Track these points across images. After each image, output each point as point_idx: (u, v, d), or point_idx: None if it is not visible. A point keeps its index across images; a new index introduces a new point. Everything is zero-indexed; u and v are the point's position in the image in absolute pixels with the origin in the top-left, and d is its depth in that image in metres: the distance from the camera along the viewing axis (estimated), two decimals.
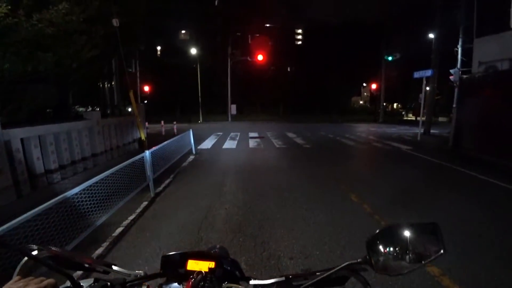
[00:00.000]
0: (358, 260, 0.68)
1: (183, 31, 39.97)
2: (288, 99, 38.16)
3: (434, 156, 9.12)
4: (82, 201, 3.24)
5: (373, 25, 40.58)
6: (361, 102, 56.63)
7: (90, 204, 3.37)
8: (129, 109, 13.97)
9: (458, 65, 11.87)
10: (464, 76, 10.89)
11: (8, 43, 4.91)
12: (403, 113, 40.56)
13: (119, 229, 3.59)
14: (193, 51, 28.34)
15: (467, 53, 11.57)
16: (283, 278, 0.73)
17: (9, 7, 4.47)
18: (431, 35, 15.92)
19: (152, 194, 4.89)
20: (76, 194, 3.13)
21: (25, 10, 4.78)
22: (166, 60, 31.45)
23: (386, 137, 14.71)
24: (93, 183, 3.40)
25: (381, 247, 0.68)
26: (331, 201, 4.65)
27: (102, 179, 3.58)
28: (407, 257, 0.67)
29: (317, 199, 4.75)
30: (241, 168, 7.08)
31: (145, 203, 4.53)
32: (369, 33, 37.54)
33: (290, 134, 14.94)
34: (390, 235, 0.70)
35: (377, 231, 0.70)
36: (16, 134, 4.79)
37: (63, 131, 5.98)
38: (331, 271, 0.68)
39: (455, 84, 11.33)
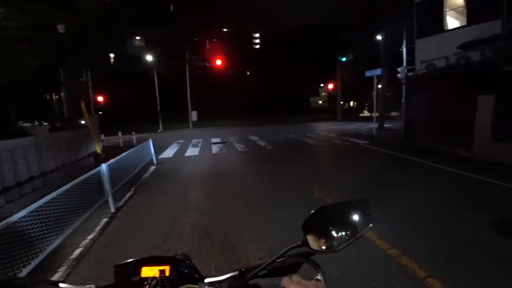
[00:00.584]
0: (298, 243, 0.72)
1: (137, 38, 38.47)
2: (249, 103, 38.50)
3: (388, 148, 9.86)
4: (31, 225, 2.96)
5: (328, 28, 42.80)
6: (320, 102, 59.09)
7: (42, 227, 3.09)
8: (83, 122, 13.07)
9: (404, 64, 13.08)
10: (409, 74, 11.98)
11: None
12: (366, 111, 43.02)
13: (78, 251, 3.35)
14: (149, 58, 27.37)
15: (411, 52, 12.74)
16: (237, 272, 0.74)
17: None
18: (379, 37, 17.27)
19: (112, 210, 4.62)
20: (24, 217, 2.85)
21: None
22: (121, 68, 29.92)
23: (345, 133, 15.54)
24: (43, 204, 3.13)
25: (316, 228, 0.73)
26: (296, 198, 4.79)
27: (53, 199, 3.30)
28: (341, 233, 0.73)
29: (283, 198, 4.87)
30: (205, 175, 7.00)
31: (105, 219, 4.28)
32: (324, 35, 39.55)
33: (253, 137, 15.09)
34: (324, 215, 0.75)
35: (311, 212, 0.75)
36: None
37: (4, 150, 5.41)
38: (274, 258, 0.70)
39: (402, 81, 12.40)
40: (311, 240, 0.71)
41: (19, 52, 5.68)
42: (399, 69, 12.74)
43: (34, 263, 2.85)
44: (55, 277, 2.81)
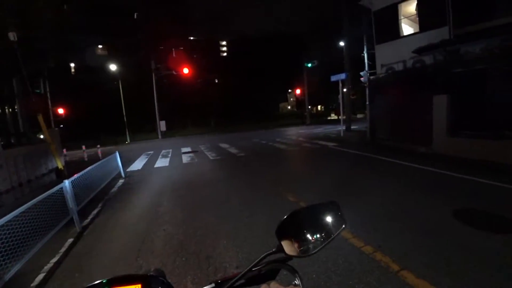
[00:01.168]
0: (273, 250, 0.73)
1: (100, 46, 36.92)
2: (218, 111, 38.36)
3: (356, 148, 10.33)
4: None
5: (294, 35, 44.28)
6: (288, 107, 60.47)
7: None
8: (41, 136, 12.17)
9: (366, 68, 13.87)
10: (371, 77, 12.72)
11: None
12: (333, 114, 44.65)
13: (40, 276, 3.09)
14: (113, 67, 26.25)
15: (372, 57, 13.56)
16: (213, 285, 0.74)
17: None
18: (342, 43, 18.17)
19: (78, 229, 4.33)
20: None
21: None
22: (82, 79, 28.39)
23: (314, 137, 16.01)
24: None
25: (290, 232, 0.74)
26: (270, 204, 4.83)
27: (8, 222, 3.02)
28: (315, 236, 0.75)
29: (257, 204, 4.89)
30: (176, 186, 6.81)
31: (71, 240, 3.99)
32: (290, 42, 40.82)
33: (224, 145, 15.00)
34: (297, 220, 0.77)
35: (284, 217, 0.76)
36: None
37: None
38: (250, 267, 0.70)
39: (365, 85, 13.12)
40: (286, 245, 0.72)
41: None
42: (361, 73, 13.50)
43: None
44: None
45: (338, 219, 0.79)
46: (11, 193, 6.37)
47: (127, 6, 43.12)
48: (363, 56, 14.54)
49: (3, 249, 2.92)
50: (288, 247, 0.72)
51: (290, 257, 0.74)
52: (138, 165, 10.57)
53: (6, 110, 10.76)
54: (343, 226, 0.79)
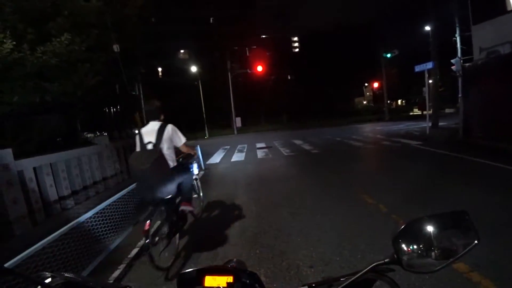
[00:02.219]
0: (385, 260, 0.64)
1: (182, 51, 40.91)
2: (291, 107, 38.25)
3: (444, 148, 8.95)
4: (95, 225, 3.24)
5: (368, 24, 41.00)
6: (364, 102, 56.37)
7: (104, 227, 3.36)
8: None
9: (459, 54, 11.80)
10: (467, 65, 10.77)
11: (15, 76, 5.07)
12: (416, 109, 39.90)
13: (135, 250, 3.56)
14: (193, 69, 28.85)
15: (466, 41, 11.50)
16: (306, 287, 0.69)
17: (14, 42, 4.64)
18: (427, 28, 15.92)
19: None
20: (89, 218, 3.14)
21: (29, 44, 4.95)
22: (168, 80, 32.00)
23: (394, 134, 14.53)
24: (105, 207, 3.41)
25: (406, 244, 0.64)
26: (345, 204, 4.54)
27: (114, 202, 3.58)
28: (438, 251, 0.62)
29: (331, 204, 4.66)
30: (251, 179, 7.03)
31: (158, 222, 4.50)
32: (365, 33, 37.86)
33: (297, 141, 14.85)
34: (417, 229, 0.66)
35: (402, 226, 0.66)
36: (28, 164, 4.88)
37: (73, 158, 6.07)
38: (357, 275, 0.64)
39: (457, 74, 11.20)
40: (403, 257, 0.62)
41: (81, 72, 6.34)
42: (453, 61, 11.53)
43: (98, 259, 3.10)
44: (115, 274, 2.98)
45: (469, 233, 0.65)
46: (114, 178, 7.59)
47: (204, 13, 46.79)
48: (455, 41, 12.30)
49: (109, 225, 3.47)
50: (406, 260, 0.62)
51: (392, 269, 0.65)
52: (216, 158, 11.35)
53: (111, 110, 12.88)
54: (475, 241, 0.64)
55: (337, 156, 9.61)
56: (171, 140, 3.10)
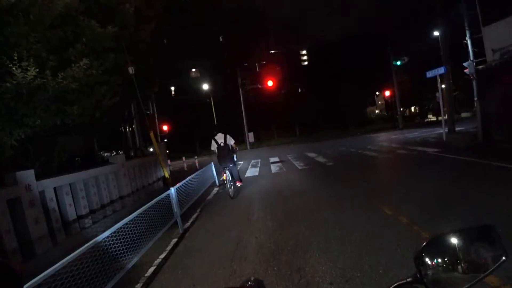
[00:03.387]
0: (408, 280, 0.61)
1: (193, 70, 42.11)
2: (302, 119, 38.16)
3: (463, 154, 8.65)
4: (113, 243, 3.27)
5: (376, 33, 41.04)
6: (377, 111, 55.72)
7: (121, 245, 3.39)
8: (151, 149, 14.45)
9: (471, 57, 11.51)
10: (480, 67, 10.51)
11: (38, 101, 5.33)
12: (430, 115, 38.88)
13: (151, 269, 3.56)
14: (205, 86, 29.51)
15: (477, 43, 11.23)
16: None
17: (37, 69, 4.92)
18: (437, 33, 15.74)
19: (180, 230, 4.87)
20: (107, 237, 3.17)
21: (51, 70, 5.22)
22: (180, 99, 32.83)
23: (410, 142, 14.18)
24: (123, 225, 3.45)
25: (430, 260, 0.61)
26: (364, 217, 4.41)
27: (131, 221, 3.62)
28: (460, 267, 0.59)
29: (349, 217, 4.54)
30: (266, 195, 6.97)
31: (175, 240, 4.51)
32: (374, 41, 37.82)
33: (311, 154, 14.70)
34: (440, 246, 0.63)
35: (424, 243, 0.63)
36: (49, 184, 5.05)
37: (91, 177, 6.24)
38: None
39: (471, 77, 10.95)
40: (427, 275, 0.59)
41: (99, 94, 6.60)
42: (466, 64, 11.29)
43: (116, 278, 3.10)
44: None
45: (496, 249, 0.62)
46: (131, 196, 7.72)
47: (214, 32, 48.33)
48: (465, 44, 12.04)
49: (127, 243, 3.50)
50: (430, 278, 0.59)
51: None
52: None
53: (127, 129, 13.25)
54: (503, 258, 0.61)
55: (353, 168, 9.43)
56: (229, 140, 7.01)
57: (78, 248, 2.73)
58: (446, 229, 2.41)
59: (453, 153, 9.20)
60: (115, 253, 3.29)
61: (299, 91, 42.77)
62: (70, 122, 6.15)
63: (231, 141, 6.96)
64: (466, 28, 11.79)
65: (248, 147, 27.86)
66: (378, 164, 9.75)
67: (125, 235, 3.49)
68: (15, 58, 4.64)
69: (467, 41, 11.83)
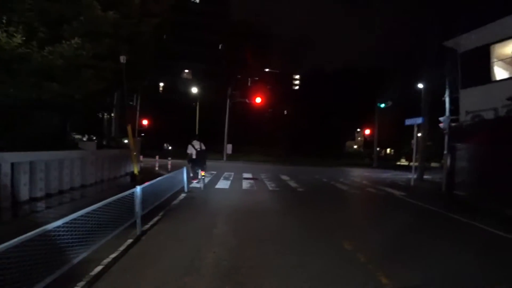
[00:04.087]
0: None
1: (186, 71, 41.97)
2: (284, 141, 38.68)
3: (428, 202, 9.09)
4: (63, 234, 3.07)
5: (367, 73, 43.29)
6: (355, 146, 57.68)
7: (71, 238, 3.19)
8: (126, 141, 13.99)
9: (447, 113, 12.44)
10: (453, 124, 11.35)
11: (18, 70, 5.08)
12: (403, 159, 40.77)
13: (99, 268, 3.37)
14: (194, 90, 29.37)
15: (455, 102, 12.18)
16: None
17: (24, 38, 4.71)
18: (420, 85, 16.88)
19: (138, 232, 4.67)
20: (58, 227, 2.98)
21: (39, 42, 5.02)
22: (167, 97, 32.37)
23: (380, 182, 14.72)
24: (78, 217, 3.27)
25: None
26: (324, 248, 4.47)
27: (88, 213, 3.44)
28: None
29: (310, 246, 4.58)
30: (233, 210, 6.89)
31: (130, 241, 4.31)
32: (364, 80, 39.84)
33: (284, 177, 14.79)
34: None
35: None
36: (7, 158, 4.72)
37: (55, 159, 5.91)
38: None
39: (444, 131, 11.74)
40: None
41: (84, 76, 6.40)
42: (441, 119, 12.17)
43: (58, 272, 2.90)
44: None
45: None
46: (93, 186, 7.36)
47: (214, 39, 48.77)
48: (444, 100, 13.02)
49: (78, 237, 3.30)
50: None
51: None
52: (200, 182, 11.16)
53: (105, 116, 12.81)
54: None
55: (322, 198, 9.61)
56: (203, 147, 9.03)
57: (23, 232, 2.54)
58: (397, 270, 2.52)
59: (417, 199, 9.65)
60: (62, 245, 3.09)
61: (285, 113, 43.59)
62: (47, 98, 5.88)
63: (203, 148, 9.16)
64: (447, 87, 12.80)
65: (225, 158, 27.63)
66: (347, 198, 10.00)
67: (78, 227, 3.30)
68: (3, 21, 4.44)
69: (446, 98, 12.80)
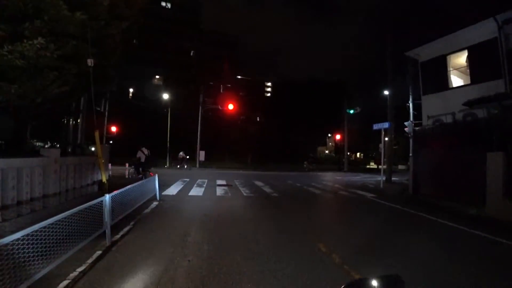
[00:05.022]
0: None
1: (157, 76, 40.96)
2: (256, 148, 38.84)
3: (396, 202, 9.59)
4: (22, 248, 2.81)
5: (336, 81, 45.22)
6: (326, 151, 59.44)
7: (32, 252, 2.93)
8: (93, 149, 13.25)
9: (411, 118, 13.28)
10: (416, 128, 12.13)
11: None
12: (372, 162, 42.61)
13: (64, 283, 3.12)
14: (165, 96, 28.71)
15: (418, 108, 13.04)
16: None
17: None
18: (386, 92, 17.91)
19: (107, 243, 4.41)
20: (17, 240, 2.73)
21: None
22: (137, 103, 31.20)
23: (351, 185, 15.26)
24: (39, 228, 3.01)
25: None
26: (299, 252, 4.52)
27: (50, 224, 3.18)
28: None
29: (285, 250, 4.60)
30: (207, 217, 6.75)
31: (99, 252, 4.06)
32: (333, 88, 41.61)
33: (258, 183, 14.83)
34: None
35: (342, 286, 0.67)
36: None
37: (13, 167, 5.42)
38: None
39: (409, 135, 12.51)
40: None
41: (47, 79, 5.99)
42: (406, 123, 12.97)
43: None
44: None
45: None
46: (57, 196, 6.83)
47: (185, 46, 48.21)
48: (408, 106, 13.93)
49: (38, 250, 3.04)
50: None
51: None
52: (173, 190, 10.83)
53: (70, 122, 12.03)
54: None
55: (296, 202, 9.75)
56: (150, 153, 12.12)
57: None
58: (372, 270, 2.61)
59: (387, 200, 10.16)
60: (22, 260, 2.82)
61: (257, 120, 44.00)
62: (4, 100, 5.41)
63: (150, 154, 12.57)
64: (410, 93, 13.71)
65: (198, 165, 27.18)
66: (320, 201, 10.24)
67: (40, 240, 3.04)
68: None
69: (409, 104, 13.68)
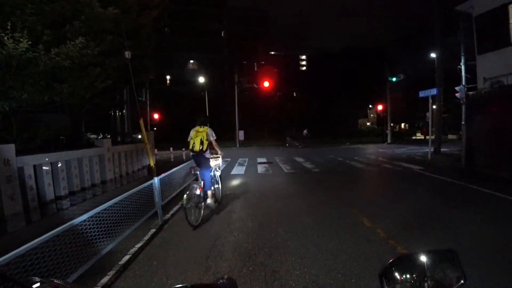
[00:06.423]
0: None
1: (191, 61, 41.73)
2: (295, 124, 38.31)
3: (447, 175, 8.89)
4: (89, 228, 3.21)
5: (376, 48, 41.79)
6: (368, 123, 56.53)
7: (98, 231, 3.33)
8: (139, 136, 14.24)
9: (463, 82, 11.90)
10: (471, 93, 10.86)
11: (27, 75, 5.18)
12: (419, 133, 39.78)
13: (126, 257, 3.52)
14: (201, 79, 29.26)
15: (471, 70, 11.62)
16: None
17: (30, 42, 4.78)
18: (433, 55, 16.16)
19: (160, 221, 4.82)
20: (84, 221, 3.11)
21: (44, 45, 5.08)
22: (175, 89, 32.41)
23: (396, 157, 14.47)
24: (102, 210, 3.39)
25: (396, 276, 0.64)
26: (343, 226, 4.49)
27: (110, 206, 3.56)
28: (426, 284, 0.62)
29: (329, 225, 4.60)
30: (250, 194, 6.98)
31: (153, 230, 4.47)
32: (373, 55, 38.54)
33: (299, 159, 14.79)
34: (405, 264, 0.66)
35: (390, 260, 0.66)
36: (29, 161, 4.91)
37: (74, 158, 6.10)
38: None
39: (461, 101, 11.29)
40: (395, 287, 0.63)
41: (92, 75, 6.45)
42: (457, 88, 11.66)
43: (89, 263, 3.05)
44: (103, 280, 2.94)
45: (456, 272, 0.65)
46: (113, 182, 7.59)
47: (216, 28, 48.06)
48: (459, 69, 12.40)
49: (103, 229, 3.44)
50: None
51: None
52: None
53: (117, 113, 13.00)
54: (462, 281, 0.64)
55: (338, 177, 9.56)
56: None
57: (52, 229, 2.67)
58: (419, 245, 2.50)
59: (435, 172, 9.46)
60: (90, 238, 3.23)
61: (295, 95, 43.01)
62: (58, 100, 5.99)
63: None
64: (462, 54, 12.18)
65: (238, 145, 27.75)
66: (363, 175, 9.91)
67: (103, 220, 3.44)
68: (8, 27, 4.49)
69: (461, 66, 12.22)
